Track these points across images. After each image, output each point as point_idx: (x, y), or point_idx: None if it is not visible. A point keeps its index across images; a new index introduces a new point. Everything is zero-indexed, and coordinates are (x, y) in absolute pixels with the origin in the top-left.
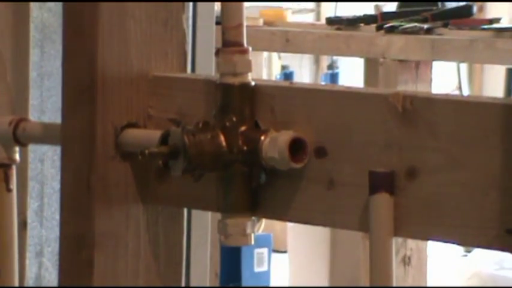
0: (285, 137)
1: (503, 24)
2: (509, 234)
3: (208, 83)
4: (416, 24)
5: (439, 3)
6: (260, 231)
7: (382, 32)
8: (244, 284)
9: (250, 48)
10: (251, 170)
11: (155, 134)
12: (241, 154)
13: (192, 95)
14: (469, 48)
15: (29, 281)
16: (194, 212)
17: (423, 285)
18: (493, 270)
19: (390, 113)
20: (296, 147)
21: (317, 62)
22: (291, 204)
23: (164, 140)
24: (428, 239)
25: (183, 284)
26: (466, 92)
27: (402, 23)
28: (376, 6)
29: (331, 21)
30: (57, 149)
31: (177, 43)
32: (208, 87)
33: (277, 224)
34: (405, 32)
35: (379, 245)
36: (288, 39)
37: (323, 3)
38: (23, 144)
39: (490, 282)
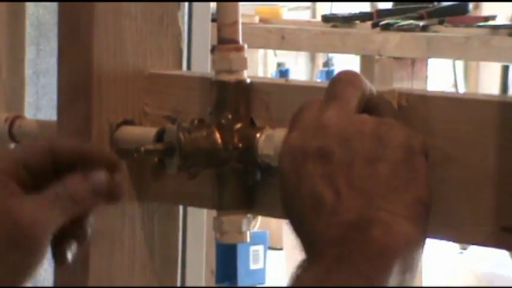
0: (280, 134)
1: (498, 21)
2: (504, 231)
3: (204, 80)
4: (412, 21)
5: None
6: (256, 229)
7: (377, 29)
8: (239, 281)
9: (245, 46)
10: (246, 167)
11: (151, 131)
12: (237, 151)
13: (187, 92)
14: (465, 46)
15: None
16: (190, 209)
17: (418, 282)
18: (489, 268)
19: None
20: None
21: (313, 59)
22: None
23: (160, 137)
24: None
25: (178, 282)
26: (461, 89)
27: (398, 20)
28: (372, 4)
29: (326, 18)
30: None
31: (172, 40)
32: (203, 85)
33: (272, 222)
34: (401, 29)
35: None
36: (283, 37)
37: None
38: (18, 141)
39: (485, 280)
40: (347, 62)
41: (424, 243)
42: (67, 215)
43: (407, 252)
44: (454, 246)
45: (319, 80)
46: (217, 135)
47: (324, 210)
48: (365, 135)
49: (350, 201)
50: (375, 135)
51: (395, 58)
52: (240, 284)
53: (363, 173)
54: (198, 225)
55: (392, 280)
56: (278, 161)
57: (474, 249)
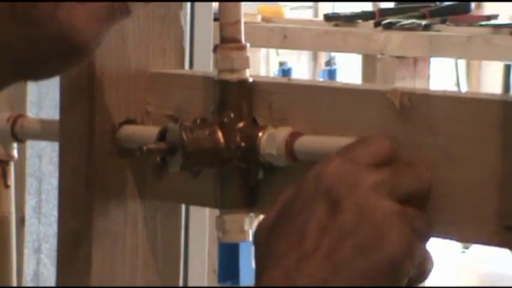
0: (282, 133)
1: (501, 20)
2: (507, 230)
3: (206, 79)
4: (414, 20)
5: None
6: None
7: (380, 28)
8: (242, 280)
9: (248, 45)
10: (249, 167)
11: (153, 131)
12: (239, 150)
13: (190, 92)
14: (467, 45)
15: (27, 277)
16: (192, 208)
17: None
18: (491, 267)
19: (388, 110)
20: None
21: (315, 58)
22: None
23: (162, 136)
24: None
25: (180, 280)
26: (464, 88)
27: (400, 20)
28: (374, 3)
29: (329, 17)
30: (55, 145)
31: (174, 39)
32: (206, 84)
33: None
34: (403, 28)
35: None
36: (286, 36)
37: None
38: (20, 141)
39: (488, 279)
40: (349, 61)
41: None
42: (119, 23)
43: None
44: (456, 246)
45: (321, 79)
46: (220, 134)
47: (295, 251)
48: (379, 226)
49: (317, 267)
50: (390, 237)
51: (397, 57)
52: (242, 284)
53: (351, 254)
54: (201, 224)
55: None
56: (308, 169)
57: (476, 249)
